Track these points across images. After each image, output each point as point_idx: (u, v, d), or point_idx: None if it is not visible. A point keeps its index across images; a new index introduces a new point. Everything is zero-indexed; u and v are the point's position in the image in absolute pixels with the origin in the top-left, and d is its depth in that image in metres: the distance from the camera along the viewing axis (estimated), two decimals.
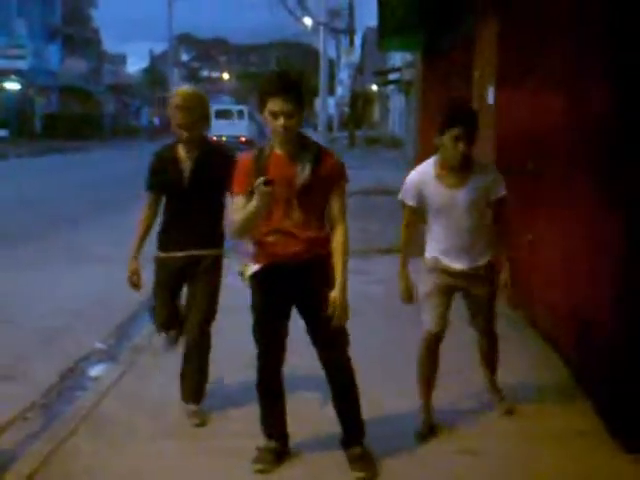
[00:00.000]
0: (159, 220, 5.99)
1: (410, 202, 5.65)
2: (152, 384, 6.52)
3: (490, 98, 10.68)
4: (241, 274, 5.08)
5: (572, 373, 6.73)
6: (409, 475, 5.10)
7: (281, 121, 4.71)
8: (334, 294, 4.79)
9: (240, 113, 48.60)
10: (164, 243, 5.89)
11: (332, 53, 69.59)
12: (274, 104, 4.71)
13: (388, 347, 7.52)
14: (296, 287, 4.95)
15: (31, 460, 5.26)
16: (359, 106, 63.66)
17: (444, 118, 5.49)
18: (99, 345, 8.28)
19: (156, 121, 62.70)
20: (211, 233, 5.85)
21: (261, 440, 5.26)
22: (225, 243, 5.92)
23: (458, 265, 5.62)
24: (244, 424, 5.66)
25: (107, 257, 12.66)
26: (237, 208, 4.88)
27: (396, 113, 52.05)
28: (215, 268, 5.85)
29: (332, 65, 61.76)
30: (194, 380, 5.95)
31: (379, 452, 5.24)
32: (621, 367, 5.56)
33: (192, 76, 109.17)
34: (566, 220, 6.96)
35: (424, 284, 5.75)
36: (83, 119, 56.30)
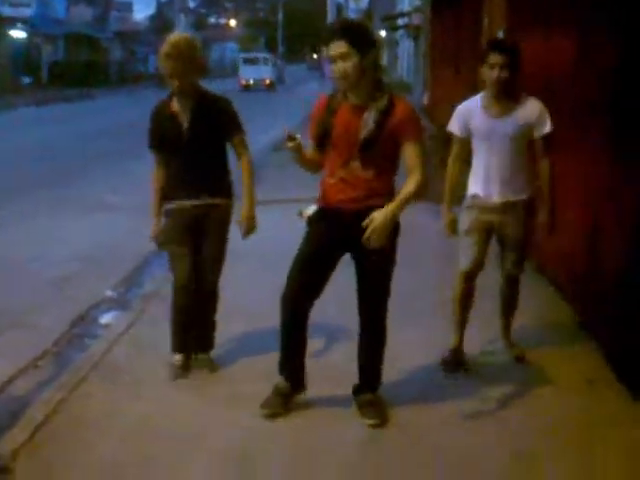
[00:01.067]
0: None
1: (457, 132, 5.80)
2: (163, 332, 6.53)
3: None
4: (300, 213, 5.11)
5: (580, 320, 6.74)
6: (418, 422, 5.13)
7: (336, 65, 4.69)
8: (375, 214, 4.72)
9: (265, 60, 58.17)
10: (172, 194, 5.79)
11: None
12: (328, 49, 4.71)
13: (407, 297, 7.50)
14: (348, 234, 4.88)
15: (43, 407, 5.30)
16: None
17: (484, 49, 5.67)
18: (109, 293, 8.33)
19: (150, 68, 62.38)
20: (218, 183, 5.78)
21: (269, 386, 5.27)
22: (233, 192, 5.86)
23: (497, 198, 5.69)
24: (252, 371, 5.70)
25: (117, 205, 12.70)
26: (310, 150, 5.00)
27: (405, 59, 51.64)
28: (225, 220, 5.80)
29: (340, 11, 61.27)
30: (205, 332, 5.98)
31: (390, 400, 5.27)
32: (630, 314, 5.56)
33: (199, 23, 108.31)
34: (576, 167, 6.92)
35: (462, 223, 5.85)
36: (90, 66, 55.94)
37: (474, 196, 5.79)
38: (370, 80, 4.77)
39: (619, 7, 5.84)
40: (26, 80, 49.22)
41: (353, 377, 5.27)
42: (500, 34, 10.64)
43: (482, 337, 6.34)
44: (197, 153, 5.67)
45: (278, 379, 5.25)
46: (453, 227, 5.88)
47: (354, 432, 5.00)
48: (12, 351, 6.61)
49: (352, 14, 73.17)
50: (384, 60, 66.68)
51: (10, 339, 6.92)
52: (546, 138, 5.66)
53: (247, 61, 57.72)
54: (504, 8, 10.23)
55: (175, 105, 5.68)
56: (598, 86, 6.32)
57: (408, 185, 4.81)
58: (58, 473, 4.58)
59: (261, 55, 60.63)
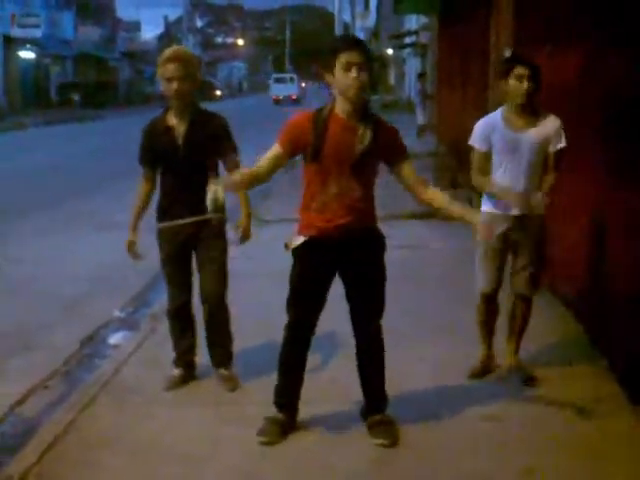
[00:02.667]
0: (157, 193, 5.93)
1: (479, 146, 5.81)
2: (171, 351, 6.55)
3: None
4: (286, 246, 4.99)
5: (591, 339, 6.71)
6: (430, 442, 5.10)
7: (355, 73, 4.62)
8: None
9: (291, 79, 70.75)
10: (164, 214, 5.80)
11: (347, 17, 69.12)
12: (349, 56, 4.63)
13: (412, 313, 7.50)
14: (342, 258, 4.90)
15: (53, 428, 5.29)
16: (375, 70, 63.32)
17: (505, 63, 5.78)
18: (118, 313, 8.32)
19: (158, 88, 62.67)
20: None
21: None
22: (225, 206, 5.75)
23: (516, 211, 5.70)
24: (266, 393, 5.69)
25: (125, 224, 12.62)
26: (267, 154, 4.84)
27: (412, 77, 51.70)
28: (220, 232, 5.79)
29: (347, 29, 61.35)
30: (222, 346, 5.99)
31: (400, 419, 5.24)
32: (637, 332, 5.54)
33: (207, 42, 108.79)
34: (586, 184, 6.91)
35: (479, 243, 5.84)
36: (98, 87, 56.18)
37: (490, 214, 5.77)
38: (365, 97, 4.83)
39: (626, 24, 5.84)
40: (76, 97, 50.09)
41: (359, 393, 5.25)
42: (507, 52, 10.64)
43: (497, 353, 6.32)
44: (192, 168, 5.63)
45: (269, 411, 5.22)
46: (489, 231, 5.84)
47: (364, 452, 4.97)
48: (22, 371, 6.61)
49: (359, 32, 73.41)
50: (391, 79, 66.78)
51: (20, 359, 6.91)
52: (559, 153, 5.70)
53: (277, 80, 71.54)
54: (511, 25, 10.24)
55: (171, 119, 5.67)
56: (605, 103, 6.31)
57: (431, 192, 4.92)
58: None
59: (288, 75, 73.92)
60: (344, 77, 4.65)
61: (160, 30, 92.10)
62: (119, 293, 8.95)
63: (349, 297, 5.06)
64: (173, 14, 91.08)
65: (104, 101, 53.20)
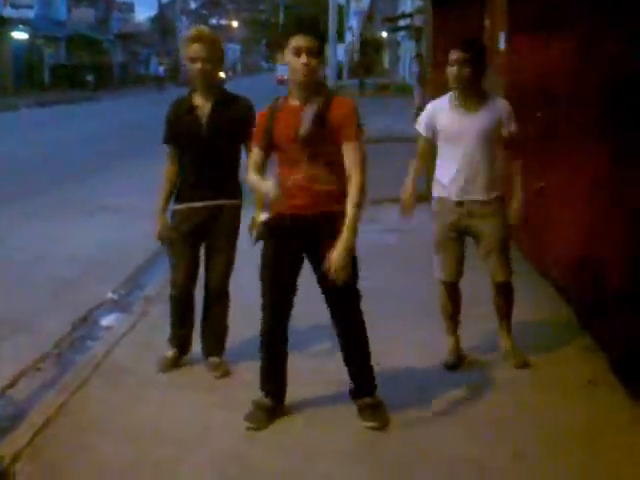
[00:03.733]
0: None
1: (423, 132, 5.82)
2: (164, 334, 6.52)
3: (501, 43, 10.58)
4: (251, 224, 5.06)
5: (582, 321, 6.73)
6: (419, 424, 5.12)
7: (304, 59, 4.62)
8: (331, 253, 4.66)
9: None
10: (183, 195, 5.76)
11: (341, 0, 69.03)
12: (297, 40, 4.63)
13: (400, 297, 7.52)
14: (304, 241, 4.90)
15: (44, 410, 5.30)
16: (369, 53, 63.26)
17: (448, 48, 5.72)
18: (111, 295, 8.33)
19: (160, 71, 62.44)
20: (229, 183, 5.74)
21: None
22: (243, 192, 5.81)
23: (466, 197, 5.67)
24: (256, 375, 5.70)
25: (118, 207, 12.70)
26: (251, 161, 4.95)
27: (406, 60, 51.64)
28: (235, 220, 5.77)
29: (341, 12, 61.26)
30: (216, 334, 5.98)
31: (388, 403, 5.24)
32: (631, 316, 5.56)
33: (201, 24, 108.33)
34: (577, 169, 6.92)
35: (434, 233, 5.84)
36: (92, 68, 55.98)
37: (441, 199, 5.78)
38: (316, 80, 4.81)
39: (621, 11, 5.83)
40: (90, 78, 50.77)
41: (346, 376, 5.24)
42: (502, 36, 10.63)
43: (480, 338, 6.35)
44: (214, 149, 5.58)
45: (259, 394, 5.23)
46: (409, 202, 5.86)
47: (354, 434, 4.99)
48: (13, 354, 6.61)
49: (354, 15, 73.26)
50: (386, 62, 66.71)
51: (12, 342, 6.91)
52: (513, 136, 5.70)
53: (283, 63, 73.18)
54: (505, 10, 10.22)
55: (197, 99, 5.64)
56: (601, 89, 6.31)
57: (350, 189, 4.70)
58: (59, 476, 4.57)
59: None
60: (294, 62, 4.66)
61: (154, 12, 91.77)
62: (112, 276, 8.94)
63: (321, 279, 4.95)
64: None
65: (97, 83, 52.95)
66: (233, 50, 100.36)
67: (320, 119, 4.70)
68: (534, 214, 7.49)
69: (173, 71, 67.27)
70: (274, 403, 5.20)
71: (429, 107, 5.88)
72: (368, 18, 69.71)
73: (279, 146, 4.84)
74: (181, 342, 6.06)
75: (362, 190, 4.72)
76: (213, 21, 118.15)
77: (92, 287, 8.53)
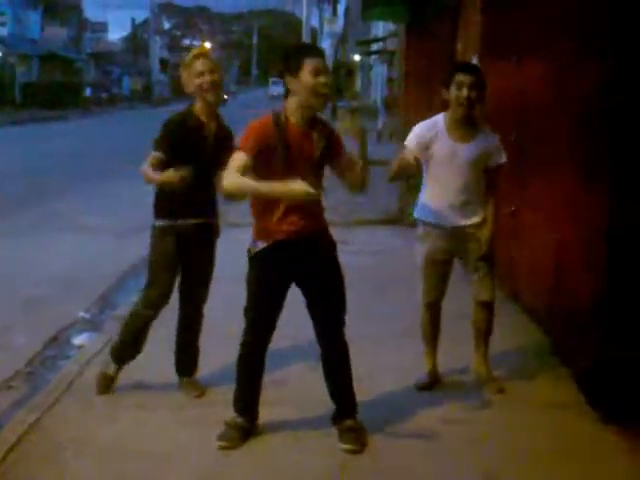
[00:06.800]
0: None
1: (415, 148, 5.72)
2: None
3: None
4: (249, 251, 4.98)
5: (552, 345, 6.79)
6: (396, 445, 5.13)
7: (323, 79, 4.67)
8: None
9: (283, 82, 79.66)
10: (176, 210, 5.59)
11: (315, 22, 69.27)
12: (318, 62, 4.70)
13: (376, 320, 7.54)
14: (301, 262, 4.93)
15: (17, 428, 5.27)
16: (341, 76, 63.44)
17: (449, 72, 5.71)
18: (83, 314, 8.30)
19: (125, 89, 62.16)
20: (215, 202, 5.76)
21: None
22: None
23: (452, 221, 5.72)
24: (229, 395, 5.70)
25: (91, 226, 12.68)
26: (238, 165, 4.69)
27: (379, 83, 51.86)
28: (215, 240, 5.81)
29: (315, 35, 61.60)
30: (190, 356, 5.99)
31: (366, 424, 5.25)
32: (599, 338, 5.62)
33: (174, 45, 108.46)
34: (545, 191, 7.00)
35: (418, 253, 5.88)
36: (64, 87, 55.80)
37: (429, 224, 5.81)
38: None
39: (593, 35, 5.92)
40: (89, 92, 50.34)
41: (322, 395, 5.26)
42: (474, 60, 10.74)
43: (454, 359, 6.38)
44: (215, 168, 5.45)
45: (232, 414, 5.22)
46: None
47: (328, 455, 4.99)
48: None
49: (327, 38, 73.54)
50: (358, 85, 66.94)
51: None
52: (499, 167, 5.77)
53: (274, 82, 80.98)
54: (478, 34, 10.32)
55: (203, 117, 5.58)
56: (572, 113, 6.39)
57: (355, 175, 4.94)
58: None
59: (279, 80, 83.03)
60: (313, 82, 4.66)
61: (127, 31, 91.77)
62: (84, 295, 8.92)
63: (311, 303, 5.06)
64: (140, 16, 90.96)
65: (69, 102, 52.77)
66: None
67: (328, 143, 4.87)
68: (505, 238, 7.56)
69: (145, 91, 67.33)
70: (247, 423, 5.20)
71: (422, 125, 5.82)
72: (341, 41, 69.98)
73: (287, 165, 4.74)
74: (128, 361, 5.98)
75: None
76: (186, 42, 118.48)
77: (63, 306, 8.50)
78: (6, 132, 35.27)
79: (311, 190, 4.51)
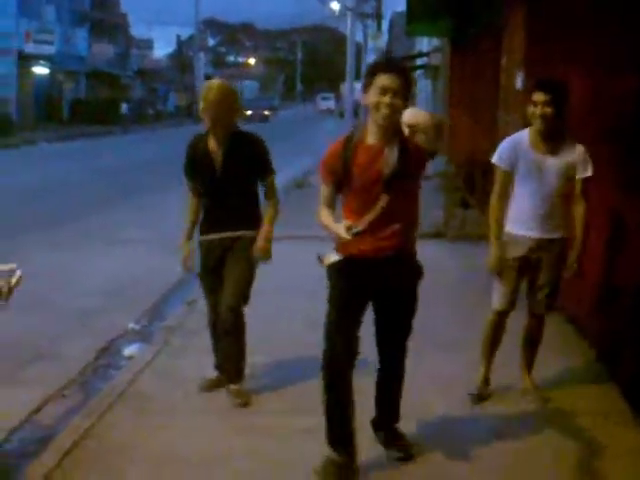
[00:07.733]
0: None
1: (504, 165, 5.82)
2: (185, 363, 6.66)
3: (518, 83, 10.73)
4: (320, 259, 4.89)
5: (597, 355, 6.81)
6: (439, 455, 5.18)
7: (387, 99, 4.54)
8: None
9: (330, 97, 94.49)
10: (205, 227, 6.06)
11: (359, 38, 69.40)
12: (383, 79, 4.57)
13: (424, 334, 7.53)
14: (379, 281, 4.82)
15: (71, 434, 5.41)
16: None
17: (531, 88, 5.80)
18: (133, 325, 8.45)
19: (170, 106, 62.46)
20: (247, 216, 5.96)
21: (300, 420, 5.34)
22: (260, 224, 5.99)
23: (536, 233, 5.78)
24: (279, 402, 5.79)
25: (138, 239, 12.86)
26: (323, 197, 4.82)
27: (423, 98, 51.87)
28: (249, 249, 5.93)
29: (359, 50, 61.72)
30: (232, 361, 6.07)
31: (411, 435, 5.32)
32: None
33: (218, 61, 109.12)
34: (595, 202, 7.03)
35: (495, 261, 5.90)
36: (110, 104, 56.38)
37: (512, 233, 5.87)
38: (397, 120, 4.76)
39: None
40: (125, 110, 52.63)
41: (368, 410, 5.25)
42: (519, 75, 10.78)
43: (503, 372, 6.42)
44: (228, 190, 5.89)
45: (278, 420, 5.26)
46: (497, 265, 5.86)
47: (376, 465, 5.05)
48: (38, 380, 6.73)
49: (371, 53, 73.62)
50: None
51: (36, 369, 7.04)
52: (585, 180, 5.78)
53: (323, 98, 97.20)
54: (523, 47, 10.35)
55: (211, 143, 5.88)
56: (619, 122, 6.41)
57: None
58: None
59: (329, 95, 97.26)
60: (377, 100, 4.58)
61: (172, 48, 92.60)
62: (133, 307, 9.09)
63: (379, 320, 4.99)
64: (185, 33, 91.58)
65: (116, 118, 53.32)
66: (250, 87, 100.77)
67: (403, 160, 4.64)
68: None
69: (189, 108, 67.74)
70: (348, 461, 4.85)
71: (508, 141, 5.89)
72: (386, 56, 70.06)
73: (354, 185, 4.72)
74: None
75: None
76: (231, 58, 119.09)
77: (113, 317, 8.67)
78: (55, 148, 35.75)
79: (345, 235, 4.42)
